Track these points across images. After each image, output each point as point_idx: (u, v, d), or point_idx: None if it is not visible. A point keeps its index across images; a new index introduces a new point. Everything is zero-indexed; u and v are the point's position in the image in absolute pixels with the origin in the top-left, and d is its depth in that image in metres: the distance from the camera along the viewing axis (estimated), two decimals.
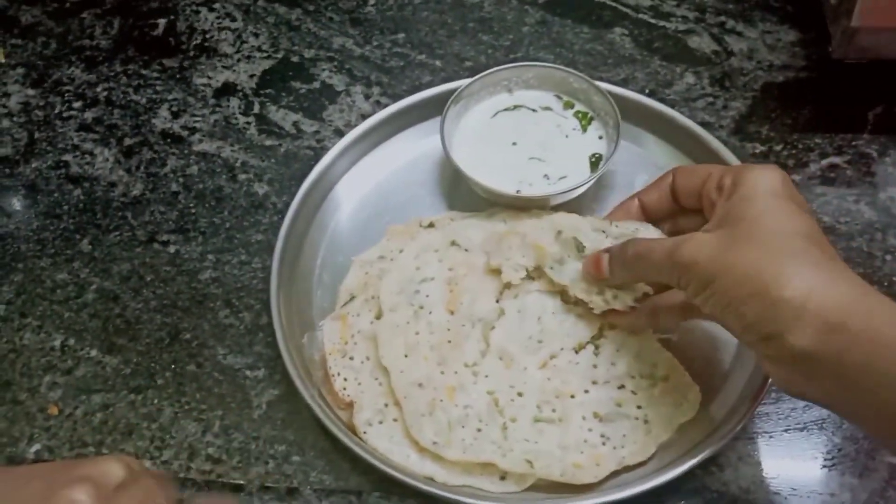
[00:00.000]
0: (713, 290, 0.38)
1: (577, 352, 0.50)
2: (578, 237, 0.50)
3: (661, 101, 0.64)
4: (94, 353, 0.56)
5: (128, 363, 0.55)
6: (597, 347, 0.50)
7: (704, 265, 0.39)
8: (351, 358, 0.53)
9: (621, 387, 0.49)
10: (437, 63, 0.70)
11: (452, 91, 0.61)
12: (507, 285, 0.53)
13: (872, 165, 0.61)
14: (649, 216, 0.50)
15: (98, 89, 0.71)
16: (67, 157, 0.67)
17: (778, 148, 0.62)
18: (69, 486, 0.36)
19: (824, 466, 0.48)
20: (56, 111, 0.70)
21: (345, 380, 0.52)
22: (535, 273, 0.54)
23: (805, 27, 0.69)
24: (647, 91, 0.66)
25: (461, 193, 0.62)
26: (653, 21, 0.71)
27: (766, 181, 0.40)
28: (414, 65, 0.70)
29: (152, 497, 0.37)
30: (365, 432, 0.49)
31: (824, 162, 0.61)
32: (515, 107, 0.63)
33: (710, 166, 0.45)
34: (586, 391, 0.49)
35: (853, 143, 0.62)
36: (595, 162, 0.59)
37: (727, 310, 0.38)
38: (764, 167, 0.41)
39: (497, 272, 0.53)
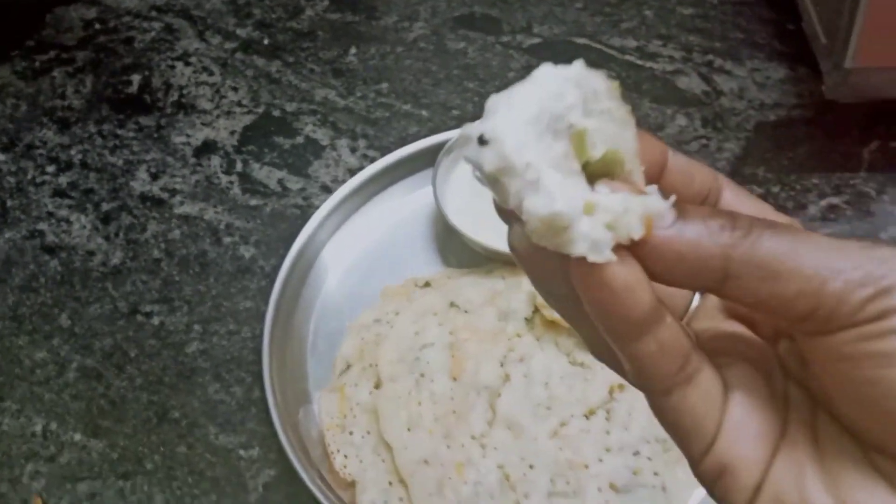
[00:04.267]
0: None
1: (587, 418, 0.48)
2: None
3: None
4: (78, 437, 0.53)
5: (114, 447, 0.53)
6: (608, 412, 0.48)
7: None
8: (350, 433, 0.50)
9: (636, 453, 0.47)
10: (424, 113, 0.68)
11: (441, 143, 0.60)
12: (511, 349, 0.51)
13: (871, 205, 0.60)
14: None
15: (72, 152, 0.69)
16: (42, 226, 0.64)
17: (776, 189, 0.61)
18: None
19: None
20: (29, 176, 0.67)
21: (345, 457, 0.49)
22: (539, 333, 0.52)
23: (794, 64, 0.69)
24: None
25: (456, 248, 0.60)
26: (639, 62, 0.70)
27: None
28: (399, 115, 0.68)
29: None
30: None
31: (823, 203, 0.60)
32: None
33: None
34: (600, 460, 0.47)
35: (850, 182, 0.61)
36: None
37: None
38: None
39: (500, 334, 0.52)
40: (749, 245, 0.20)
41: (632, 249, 0.20)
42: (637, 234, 0.20)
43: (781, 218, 0.24)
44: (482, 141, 0.20)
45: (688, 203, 0.21)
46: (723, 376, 0.22)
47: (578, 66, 0.21)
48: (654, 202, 0.20)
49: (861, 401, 0.20)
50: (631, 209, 0.20)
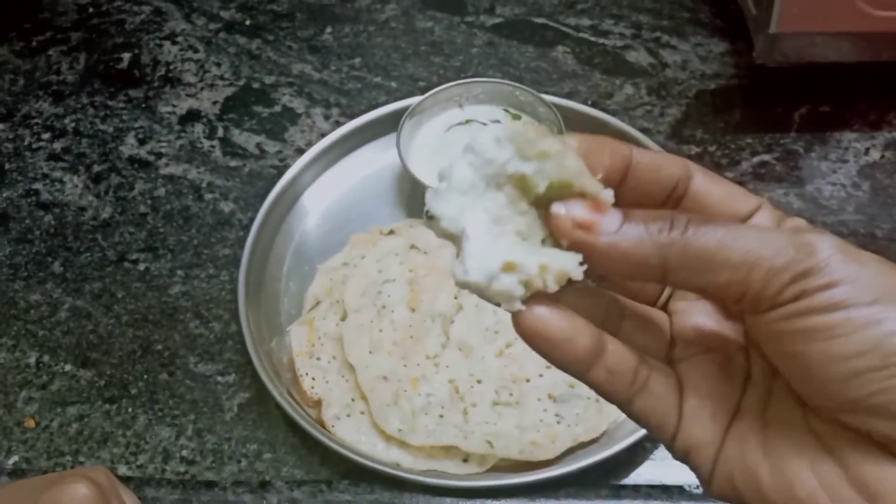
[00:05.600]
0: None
1: None
2: None
3: (603, 110, 0.68)
4: (68, 367, 0.58)
5: (101, 375, 0.57)
6: None
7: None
8: (318, 358, 0.55)
9: None
10: (393, 84, 0.74)
11: (407, 108, 0.65)
12: None
13: (799, 161, 0.66)
14: None
15: (66, 121, 0.74)
16: (38, 186, 0.69)
17: (712, 149, 0.67)
18: None
19: None
20: (25, 143, 0.72)
21: (313, 379, 0.54)
22: None
23: (734, 39, 0.74)
24: (589, 102, 0.70)
25: (419, 202, 0.64)
26: (592, 39, 0.76)
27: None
28: (371, 86, 0.74)
29: None
30: (333, 426, 0.52)
31: (755, 159, 0.66)
32: (467, 121, 0.67)
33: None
34: (541, 375, 0.52)
35: (781, 141, 0.67)
36: None
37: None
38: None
39: None
40: (683, 243, 0.23)
41: (582, 249, 0.23)
42: (552, 288, 0.23)
43: (751, 199, 0.26)
44: (428, 216, 0.24)
45: (640, 207, 0.24)
46: (680, 372, 0.26)
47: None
48: (567, 260, 0.23)
49: (791, 370, 0.24)
50: (549, 266, 0.23)
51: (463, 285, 0.24)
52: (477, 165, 0.24)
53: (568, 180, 0.24)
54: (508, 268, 0.23)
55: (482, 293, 0.24)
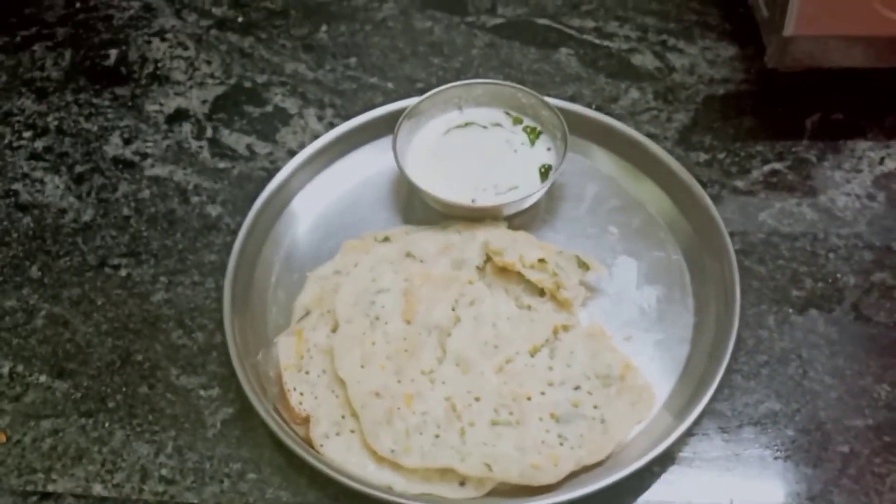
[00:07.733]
0: None
1: (532, 355, 0.50)
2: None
3: (608, 115, 0.65)
4: (43, 378, 0.55)
5: (78, 388, 0.54)
6: (552, 350, 0.51)
7: None
8: (307, 372, 0.52)
9: (577, 388, 0.49)
10: (390, 85, 0.71)
11: (404, 109, 0.63)
12: (462, 294, 0.53)
13: (812, 170, 0.63)
14: None
15: (49, 119, 0.71)
16: (17, 186, 0.66)
17: (721, 156, 0.64)
18: None
19: (778, 458, 0.49)
20: (6, 141, 0.69)
21: (301, 394, 0.51)
22: (490, 280, 0.54)
23: (743, 43, 0.72)
24: (593, 106, 0.68)
25: (416, 209, 0.62)
26: (597, 41, 0.73)
27: None
28: (366, 87, 0.71)
29: None
30: (322, 445, 0.49)
31: (766, 168, 0.63)
32: (466, 124, 0.64)
33: None
34: (543, 393, 0.49)
35: (793, 149, 0.64)
36: (545, 172, 0.60)
37: None
38: None
39: (452, 280, 0.54)
40: None
41: None
42: None
43: None
44: None
45: None
46: None
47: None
48: None
49: None
50: None
51: None
52: None
53: None
54: None
55: None
